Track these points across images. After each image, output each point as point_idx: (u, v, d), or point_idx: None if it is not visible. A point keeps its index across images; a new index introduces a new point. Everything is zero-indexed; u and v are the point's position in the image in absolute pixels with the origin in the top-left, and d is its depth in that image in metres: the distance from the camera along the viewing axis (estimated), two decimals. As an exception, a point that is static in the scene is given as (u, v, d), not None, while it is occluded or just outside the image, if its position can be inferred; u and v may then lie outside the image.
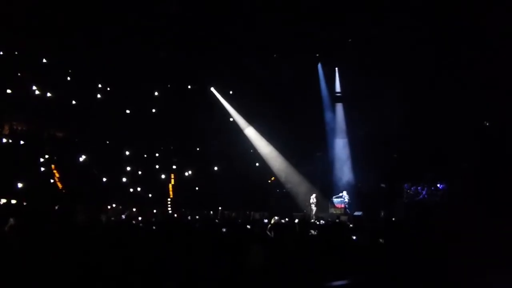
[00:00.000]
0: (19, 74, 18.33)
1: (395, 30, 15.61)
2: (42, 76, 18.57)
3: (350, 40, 17.71)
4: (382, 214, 16.20)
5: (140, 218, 11.30)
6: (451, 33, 14.92)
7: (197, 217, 14.10)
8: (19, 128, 19.18)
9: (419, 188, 16.80)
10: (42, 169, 18.72)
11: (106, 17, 16.78)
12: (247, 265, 4.14)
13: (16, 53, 18.08)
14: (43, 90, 18.80)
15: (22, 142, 18.57)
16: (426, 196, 16.56)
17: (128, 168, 20.75)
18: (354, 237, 6.61)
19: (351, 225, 9.57)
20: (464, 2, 14.09)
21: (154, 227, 8.07)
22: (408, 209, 16.41)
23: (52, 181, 18.73)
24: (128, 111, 20.57)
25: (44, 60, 18.69)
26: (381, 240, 6.12)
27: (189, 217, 14.33)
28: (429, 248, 5.27)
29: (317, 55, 19.73)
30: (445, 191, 16.68)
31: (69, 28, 16.81)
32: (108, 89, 20.58)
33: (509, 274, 3.78)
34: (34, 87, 18.57)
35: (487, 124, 16.51)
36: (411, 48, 15.87)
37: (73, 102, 19.89)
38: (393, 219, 13.64)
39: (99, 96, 20.40)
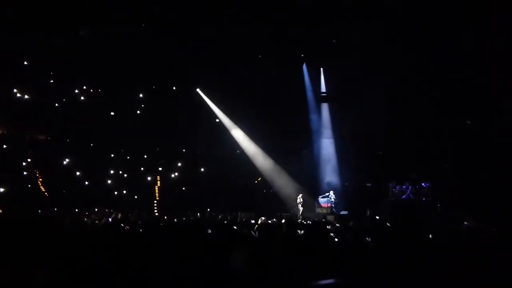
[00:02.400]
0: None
1: (380, 31, 15.77)
2: (22, 78, 18.26)
3: (334, 40, 17.84)
4: (368, 213, 16.35)
5: (125, 221, 11.17)
6: (434, 34, 15.14)
7: (183, 218, 14.00)
8: (0, 131, 18.84)
9: (403, 187, 16.99)
10: (25, 173, 18.42)
11: (88, 17, 16.57)
12: (232, 266, 4.13)
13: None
14: (24, 92, 18.49)
15: (4, 146, 18.26)
16: (411, 195, 16.75)
17: (113, 171, 20.53)
18: (336, 237, 6.66)
19: (337, 224, 9.61)
20: (448, 4, 14.31)
21: (140, 230, 7.98)
22: (393, 208, 16.58)
23: (35, 185, 18.44)
24: (112, 113, 20.36)
25: (25, 63, 18.37)
26: (367, 239, 6.16)
27: (175, 219, 14.23)
28: (414, 246, 5.32)
29: (302, 55, 19.82)
30: (429, 190, 16.91)
31: (50, 28, 16.54)
32: (91, 90, 20.33)
33: (493, 270, 3.84)
34: (14, 90, 18.26)
35: (469, 123, 16.80)
36: (395, 49, 16.06)
37: (56, 104, 19.62)
38: (377, 217, 13.77)
39: (82, 98, 20.14)
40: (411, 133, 16.95)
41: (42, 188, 18.82)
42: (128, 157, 21.27)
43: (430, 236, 6.53)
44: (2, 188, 17.10)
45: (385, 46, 16.13)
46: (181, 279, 4.07)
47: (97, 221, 11.79)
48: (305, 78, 20.40)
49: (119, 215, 15.17)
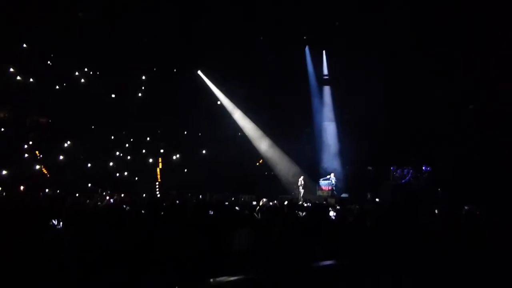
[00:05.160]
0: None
1: (383, 13, 15.56)
2: (23, 61, 18.14)
3: (337, 23, 17.61)
4: (369, 196, 16.42)
5: (127, 202, 11.25)
6: (437, 15, 14.94)
7: (185, 200, 14.08)
8: (1, 115, 18.82)
9: (405, 171, 16.99)
10: (26, 155, 18.49)
11: (89, 0, 16.38)
12: (234, 246, 4.17)
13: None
14: (25, 76, 18.40)
15: (3, 129, 18.28)
16: (411, 179, 16.77)
17: (114, 153, 20.60)
18: (333, 217, 6.71)
19: (338, 207, 9.67)
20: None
21: (142, 211, 8.04)
22: (393, 191, 16.63)
23: (37, 167, 18.54)
24: (113, 96, 20.30)
25: (24, 45, 18.22)
26: (367, 222, 6.21)
27: (177, 201, 14.33)
28: (414, 229, 5.36)
29: (305, 37, 19.61)
30: (429, 174, 16.91)
31: (49, 12, 16.35)
32: (91, 73, 20.23)
33: (493, 254, 3.86)
34: (14, 72, 18.17)
35: (472, 107, 16.69)
36: (399, 31, 15.86)
37: (57, 87, 19.55)
38: (377, 200, 13.84)
39: (82, 80, 20.05)
40: (414, 116, 16.85)
41: (44, 171, 18.91)
42: (129, 140, 21.31)
43: (430, 219, 6.57)
44: (5, 170, 17.19)
45: (388, 28, 15.92)
46: (183, 259, 4.11)
47: (99, 203, 11.89)
48: (307, 60, 20.22)
49: (121, 196, 15.29)
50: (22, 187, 17.17)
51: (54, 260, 3.96)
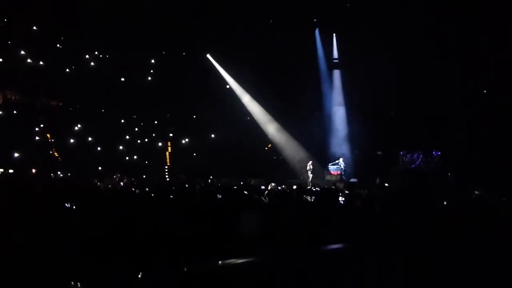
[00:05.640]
0: (9, 42, 17.94)
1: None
2: (33, 44, 18.19)
3: (348, 4, 17.30)
4: (378, 181, 16.37)
5: (137, 185, 11.38)
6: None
7: (193, 184, 14.19)
8: (13, 97, 18.98)
9: (414, 155, 16.90)
10: (37, 138, 18.70)
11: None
12: (242, 231, 4.20)
13: (5, 20, 17.63)
14: (35, 58, 18.47)
15: (15, 112, 18.45)
16: (422, 164, 16.67)
17: (124, 137, 20.76)
18: (342, 202, 6.71)
19: (346, 192, 9.66)
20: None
21: (152, 194, 8.13)
22: (403, 176, 16.57)
23: (48, 150, 18.76)
24: (122, 79, 20.34)
25: (34, 28, 18.25)
26: (375, 206, 6.20)
27: (186, 185, 14.45)
28: (424, 214, 5.34)
29: (315, 20, 19.32)
30: (440, 159, 16.79)
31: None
32: (101, 56, 20.26)
33: (502, 240, 3.84)
34: (25, 55, 18.25)
35: (485, 92, 16.43)
36: (411, 14, 15.56)
37: (67, 70, 19.63)
38: (386, 185, 13.79)
39: (92, 64, 20.09)
40: (425, 100, 16.63)
41: (55, 154, 19.15)
42: (139, 123, 21.43)
43: (440, 204, 6.54)
44: (16, 153, 17.43)
45: (400, 11, 15.61)
46: (191, 242, 4.15)
47: (110, 186, 12.04)
48: (317, 44, 19.95)
49: (131, 179, 15.45)
50: (34, 170, 17.43)
51: (65, 243, 4.03)
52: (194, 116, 21.74)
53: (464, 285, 2.63)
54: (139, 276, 1.93)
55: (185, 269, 1.99)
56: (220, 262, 2.14)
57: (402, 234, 4.29)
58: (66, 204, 5.71)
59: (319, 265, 2.45)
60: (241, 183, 14.02)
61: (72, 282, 1.79)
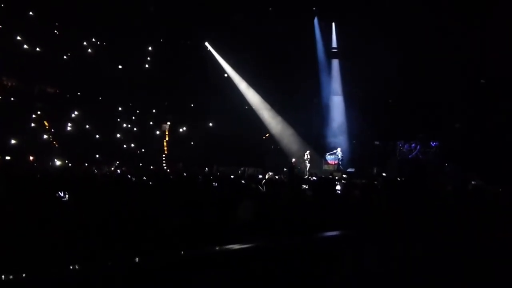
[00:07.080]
0: (0, 26, 17.66)
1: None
2: (30, 29, 17.99)
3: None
4: (375, 170, 16.42)
5: (134, 173, 11.36)
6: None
7: (191, 172, 14.20)
8: (9, 84, 18.84)
9: (412, 145, 16.93)
10: (33, 124, 18.62)
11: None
12: (238, 218, 4.20)
13: (2, 5, 17.40)
14: (32, 45, 18.29)
15: (12, 99, 18.33)
16: (420, 155, 16.71)
17: (121, 125, 20.68)
18: (339, 191, 6.71)
19: (343, 181, 9.68)
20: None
21: (150, 182, 8.12)
22: (400, 166, 16.61)
23: (45, 137, 18.69)
24: (120, 66, 20.19)
25: (31, 13, 18.03)
26: (373, 195, 6.20)
27: (184, 174, 14.46)
28: (421, 203, 5.35)
29: (314, 9, 19.16)
30: (437, 149, 16.81)
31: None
32: (98, 43, 20.08)
33: (498, 231, 3.84)
34: (22, 41, 18.06)
35: (483, 82, 16.39)
36: (410, 3, 15.43)
37: (64, 57, 19.47)
38: (384, 174, 13.83)
39: (89, 50, 19.92)
40: (423, 91, 16.59)
41: (53, 141, 19.08)
42: (136, 111, 21.34)
43: (437, 194, 6.55)
44: (13, 140, 17.36)
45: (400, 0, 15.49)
46: (187, 231, 4.15)
47: (107, 173, 12.02)
48: (316, 32, 19.80)
49: (128, 167, 15.43)
50: (31, 157, 17.39)
51: (61, 231, 4.01)
52: (192, 105, 21.65)
53: (461, 273, 2.64)
54: (136, 261, 1.91)
55: (182, 253, 1.99)
56: (217, 247, 2.13)
57: (400, 222, 4.30)
58: (60, 192, 5.68)
59: (316, 253, 2.44)
60: (239, 172, 14.04)
61: (68, 268, 1.77)
